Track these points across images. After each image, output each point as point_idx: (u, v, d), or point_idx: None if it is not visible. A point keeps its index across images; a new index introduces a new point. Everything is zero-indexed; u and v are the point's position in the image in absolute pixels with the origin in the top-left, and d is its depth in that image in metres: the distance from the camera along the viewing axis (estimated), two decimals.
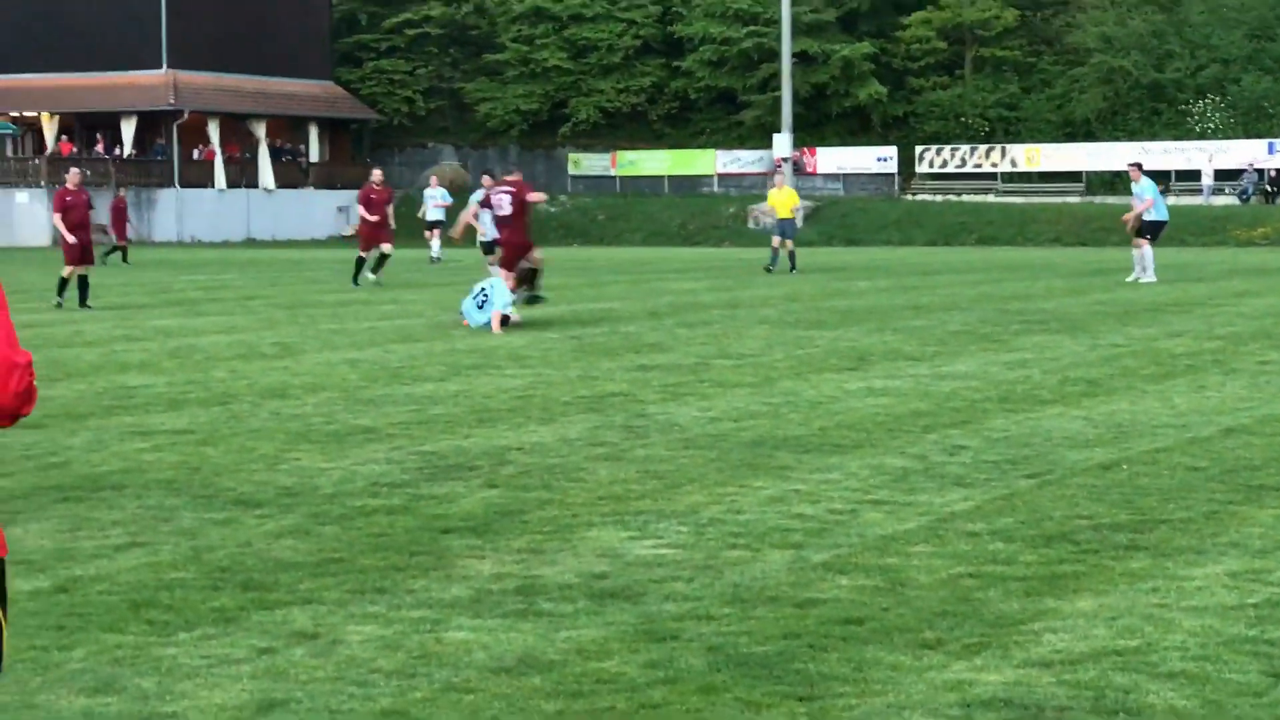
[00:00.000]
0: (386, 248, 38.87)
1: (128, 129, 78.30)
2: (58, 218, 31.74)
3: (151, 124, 79.18)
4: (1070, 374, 18.57)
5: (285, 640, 7.78)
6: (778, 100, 76.05)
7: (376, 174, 41.33)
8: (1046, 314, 27.40)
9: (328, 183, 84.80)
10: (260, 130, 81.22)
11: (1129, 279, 36.88)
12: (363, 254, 38.72)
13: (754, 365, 19.84)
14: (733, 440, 13.83)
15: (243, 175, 79.98)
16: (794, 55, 74.26)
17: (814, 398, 16.67)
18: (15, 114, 79.44)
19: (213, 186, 78.87)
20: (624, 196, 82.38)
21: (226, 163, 79.82)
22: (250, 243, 76.94)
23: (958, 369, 19.24)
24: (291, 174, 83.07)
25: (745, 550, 9.64)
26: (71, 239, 30.84)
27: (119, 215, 54.41)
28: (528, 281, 27.03)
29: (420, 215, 53.04)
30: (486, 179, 29.12)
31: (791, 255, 43.30)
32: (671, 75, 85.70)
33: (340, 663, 7.43)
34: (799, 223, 43.07)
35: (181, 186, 78.08)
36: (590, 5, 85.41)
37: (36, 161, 75.40)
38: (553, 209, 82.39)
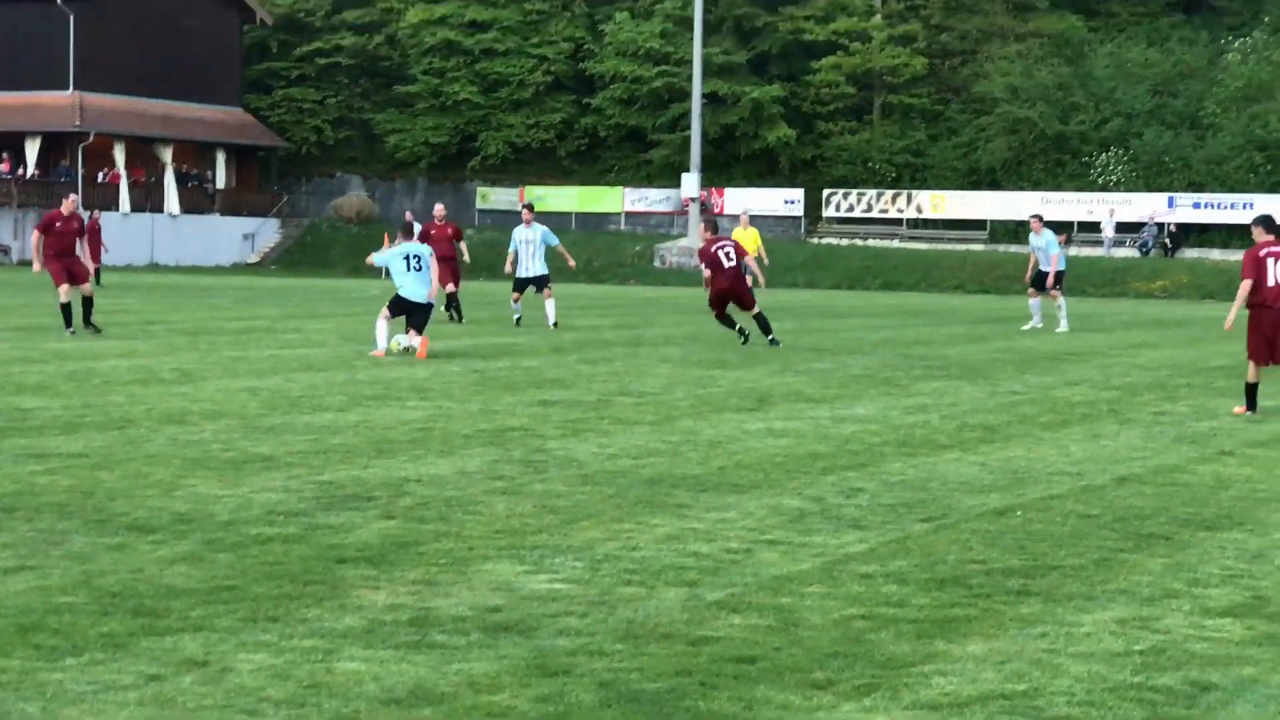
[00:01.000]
0: (450, 288, 35.93)
1: (32, 149, 77.62)
2: (38, 237, 30.12)
3: (56, 145, 78.54)
4: (969, 420, 18.72)
5: (175, 667, 7.73)
6: (687, 140, 76.34)
7: (439, 209, 37.83)
8: (947, 360, 27.60)
9: (234, 209, 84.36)
10: (167, 155, 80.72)
11: (1026, 327, 37.28)
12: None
13: (655, 403, 19.87)
14: (631, 477, 13.86)
15: (148, 199, 79.45)
16: (704, 96, 74.56)
17: (713, 437, 16.73)
18: None
19: (117, 210, 78.26)
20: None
21: (132, 186, 79.25)
22: (154, 267, 76.39)
23: (857, 412, 19.35)
24: (197, 199, 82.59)
25: (640, 587, 9.66)
26: (39, 267, 29.77)
27: (94, 236, 53.99)
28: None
29: None
30: (527, 213, 30.75)
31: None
32: (581, 112, 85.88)
33: (229, 691, 7.38)
34: (766, 261, 44.13)
35: (85, 210, 77.38)
36: (502, 40, 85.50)
37: None
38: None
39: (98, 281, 52.04)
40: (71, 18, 77.27)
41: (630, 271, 74.69)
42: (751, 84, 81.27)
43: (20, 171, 77.37)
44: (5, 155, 78.47)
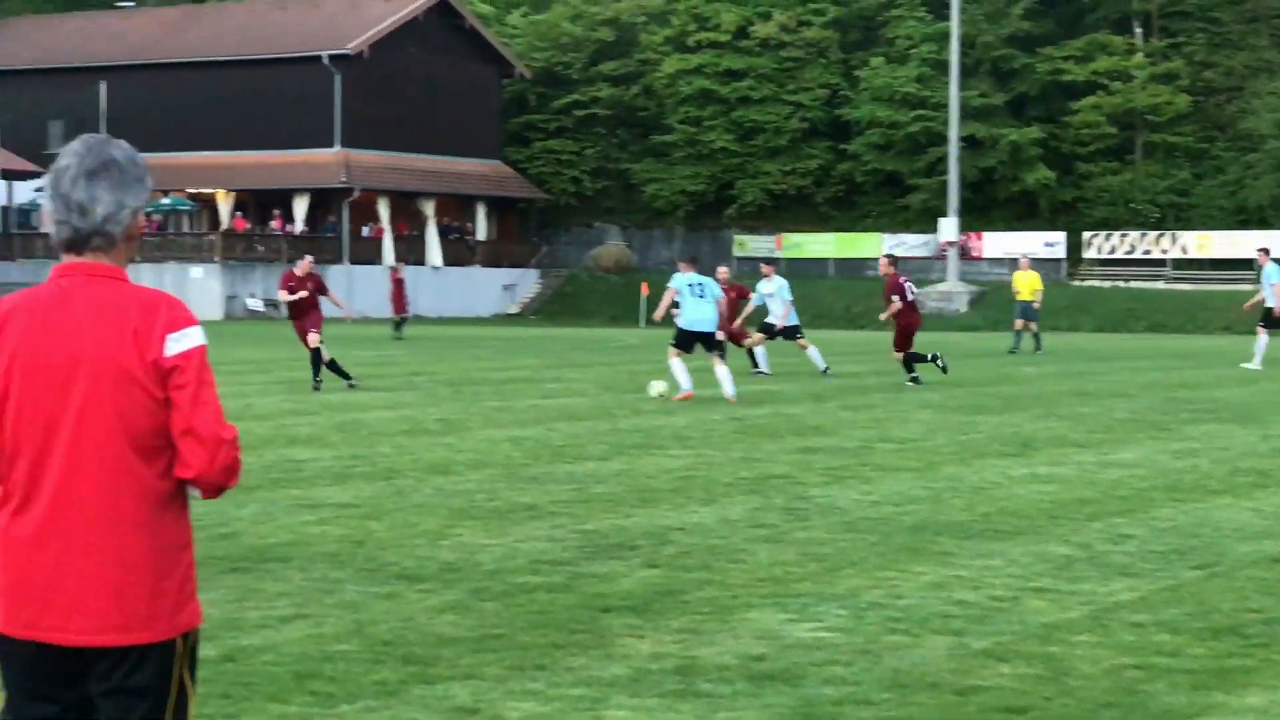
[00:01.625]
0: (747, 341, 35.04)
1: (300, 206, 79.56)
2: (284, 295, 30.97)
3: (323, 201, 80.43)
4: (1240, 464, 18.29)
5: (446, 715, 7.84)
6: (944, 184, 75.79)
7: (722, 271, 34.69)
8: (1216, 403, 27.01)
9: (494, 261, 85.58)
10: (429, 208, 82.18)
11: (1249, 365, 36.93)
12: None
13: (917, 449, 19.73)
14: (894, 524, 13.76)
15: (410, 252, 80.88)
16: (961, 139, 74.00)
17: (977, 483, 16.55)
18: (193, 190, 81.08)
19: (381, 263, 79.85)
20: (789, 278, 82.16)
21: (395, 240, 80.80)
22: (417, 319, 77.75)
23: (1124, 457, 19.01)
24: (459, 252, 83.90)
25: (905, 635, 9.58)
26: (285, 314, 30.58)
27: (398, 288, 55.64)
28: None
29: None
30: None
31: (1036, 337, 45.47)
32: (838, 158, 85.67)
33: None
34: (1037, 305, 44.57)
35: (351, 263, 79.13)
36: (758, 88, 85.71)
37: (211, 238, 76.78)
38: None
39: (398, 332, 53.53)
40: (337, 78, 79.15)
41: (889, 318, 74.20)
42: (1010, 126, 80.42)
43: (289, 228, 79.35)
44: (277, 213, 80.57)
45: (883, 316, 32.73)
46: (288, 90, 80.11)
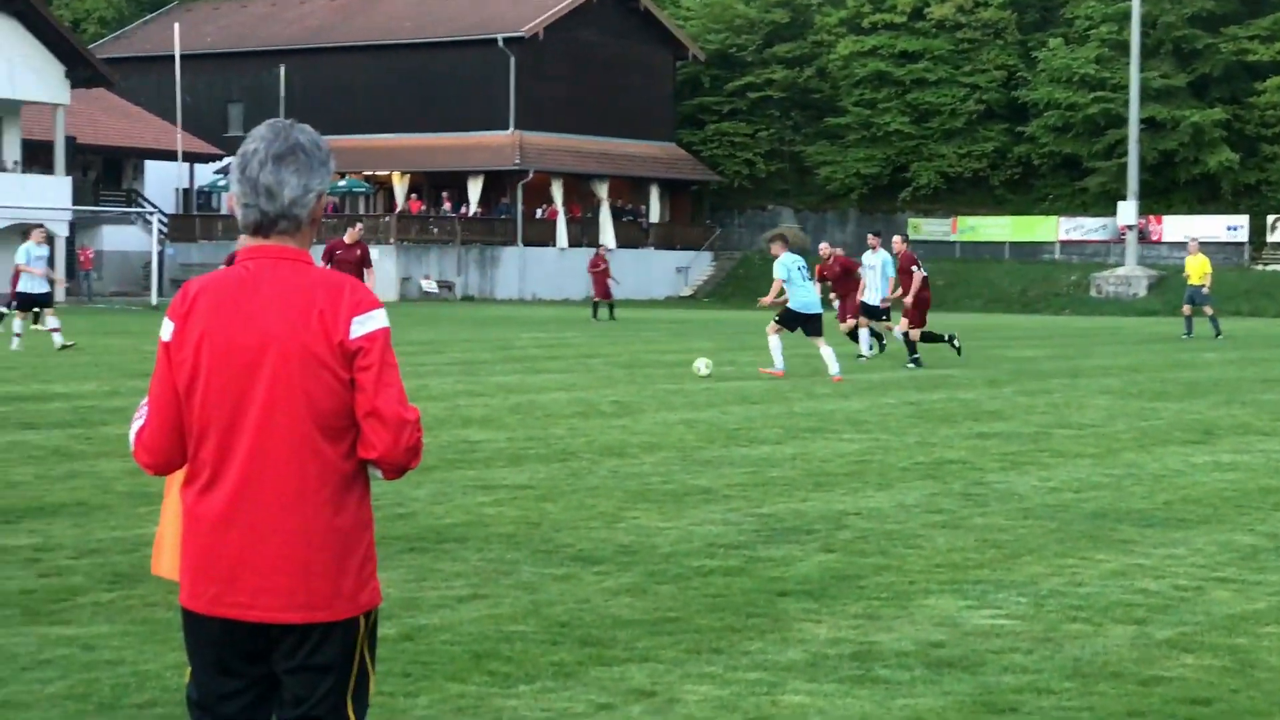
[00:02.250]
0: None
1: (474, 188, 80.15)
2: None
3: (497, 183, 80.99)
4: None
5: (623, 697, 7.84)
6: (1123, 167, 74.75)
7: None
8: None
9: (668, 243, 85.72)
10: (602, 190, 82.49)
11: None
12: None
13: (1096, 435, 19.47)
14: (1073, 511, 13.58)
15: (584, 234, 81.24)
16: (1142, 121, 72.94)
17: (1158, 470, 16.30)
18: (369, 173, 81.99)
19: (554, 245, 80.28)
20: (963, 262, 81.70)
21: (568, 222, 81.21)
22: (589, 301, 78.07)
23: None
24: (632, 234, 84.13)
25: (1086, 624, 9.44)
26: None
27: (601, 273, 55.22)
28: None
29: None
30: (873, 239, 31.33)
31: (1213, 320, 44.34)
32: (1015, 141, 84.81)
33: None
34: (1206, 289, 43.70)
35: (524, 245, 79.66)
36: (933, 70, 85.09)
37: (387, 219, 77.58)
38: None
39: (611, 315, 53.39)
40: (512, 60, 79.65)
41: (1065, 301, 73.45)
42: (1191, 108, 79.10)
43: (463, 210, 79.99)
44: (447, 195, 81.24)
45: (907, 299, 31.51)
46: (463, 73, 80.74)
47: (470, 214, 79.62)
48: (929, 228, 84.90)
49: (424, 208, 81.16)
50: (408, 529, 12.37)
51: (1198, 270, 44.09)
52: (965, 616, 9.61)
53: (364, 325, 4.70)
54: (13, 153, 68.88)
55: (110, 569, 10.64)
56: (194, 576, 4.76)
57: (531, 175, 79.46)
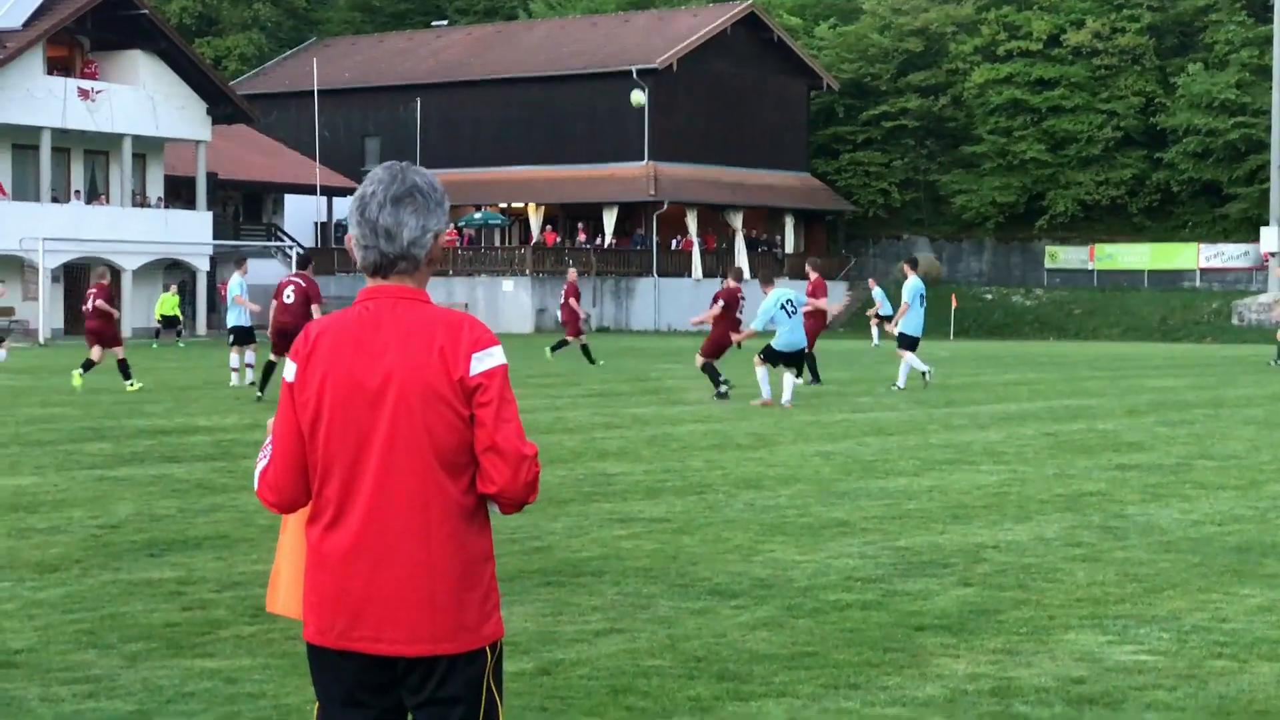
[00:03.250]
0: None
1: (609, 219, 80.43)
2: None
3: (631, 214, 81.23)
4: None
5: None
6: (1265, 193, 73.85)
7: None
8: None
9: (803, 273, 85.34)
10: (737, 221, 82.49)
11: None
12: None
13: (1239, 467, 19.20)
14: (1217, 545, 13.39)
15: (719, 265, 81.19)
16: None
17: None
18: (504, 205, 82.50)
19: (689, 276, 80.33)
20: (1101, 290, 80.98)
21: (703, 253, 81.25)
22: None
23: None
24: (767, 265, 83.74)
25: (1231, 660, 9.31)
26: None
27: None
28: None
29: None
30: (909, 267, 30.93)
31: None
32: (1153, 167, 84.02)
33: None
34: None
35: (659, 276, 79.79)
36: (1070, 97, 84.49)
37: (522, 251, 77.98)
38: (1028, 302, 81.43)
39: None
40: (646, 91, 79.89)
41: (1206, 329, 72.58)
42: None
43: (598, 241, 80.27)
44: (581, 225, 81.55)
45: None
46: (597, 104, 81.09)
47: (605, 245, 79.87)
48: (1066, 256, 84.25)
49: (559, 239, 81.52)
50: (544, 562, 12.41)
51: None
52: (1106, 652, 9.50)
53: (483, 362, 4.76)
54: (156, 189, 70.02)
55: (252, 602, 10.75)
56: (320, 613, 4.82)
57: (666, 206, 79.61)
